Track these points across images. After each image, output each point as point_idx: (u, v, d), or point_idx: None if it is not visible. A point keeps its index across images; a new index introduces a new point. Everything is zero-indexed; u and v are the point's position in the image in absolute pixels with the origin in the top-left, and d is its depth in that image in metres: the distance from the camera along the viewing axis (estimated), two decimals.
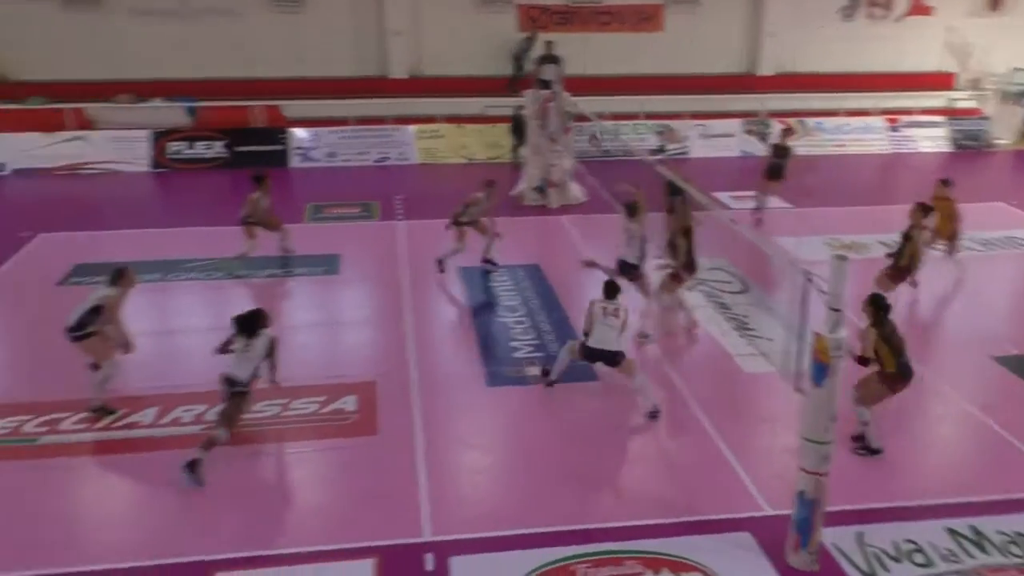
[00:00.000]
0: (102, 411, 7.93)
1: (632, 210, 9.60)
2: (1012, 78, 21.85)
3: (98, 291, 7.95)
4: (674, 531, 6.45)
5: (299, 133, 18.26)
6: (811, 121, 19.96)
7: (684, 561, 6.12)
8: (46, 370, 8.77)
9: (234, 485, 6.99)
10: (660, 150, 18.91)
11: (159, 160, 17.66)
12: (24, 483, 6.97)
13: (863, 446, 7.42)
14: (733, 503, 6.79)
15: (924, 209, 10.07)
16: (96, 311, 7.78)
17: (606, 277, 8.59)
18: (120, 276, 8.00)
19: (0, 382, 8.83)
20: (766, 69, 21.31)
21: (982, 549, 6.31)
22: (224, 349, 7.31)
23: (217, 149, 17.90)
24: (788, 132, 16.30)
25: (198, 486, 6.86)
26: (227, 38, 19.38)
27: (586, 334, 8.07)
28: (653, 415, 7.97)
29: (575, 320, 10.12)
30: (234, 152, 17.90)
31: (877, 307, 7.10)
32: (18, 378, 8.90)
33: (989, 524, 6.56)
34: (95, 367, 7.86)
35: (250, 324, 7.23)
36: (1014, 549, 6.31)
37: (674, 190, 9.66)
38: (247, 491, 6.95)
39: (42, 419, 7.82)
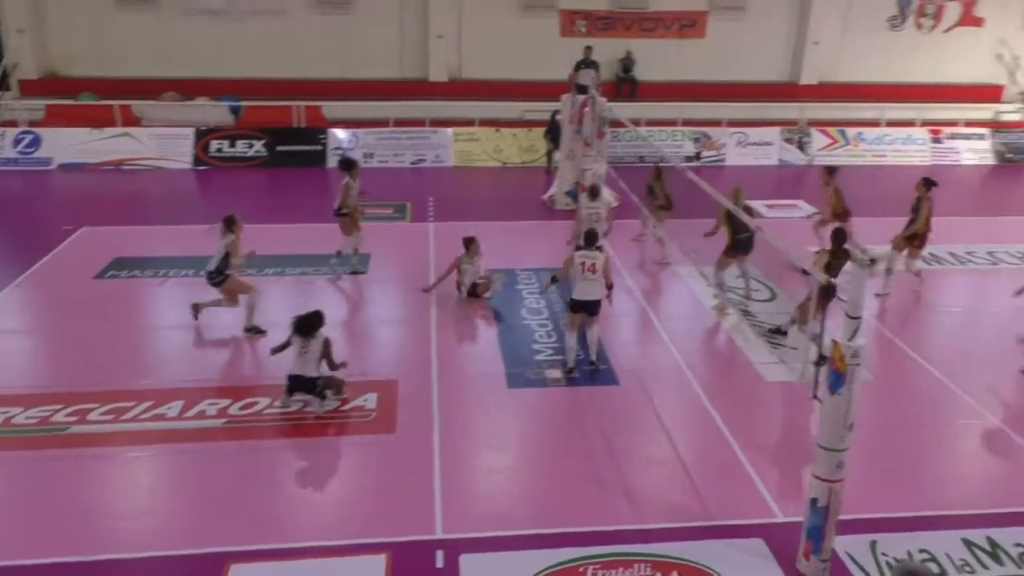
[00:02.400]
0: (254, 331, 9.61)
1: (593, 192, 11.68)
2: None
3: (221, 241, 9.45)
4: (687, 535, 6.44)
5: (338, 134, 18.56)
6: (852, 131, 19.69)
7: (695, 565, 6.11)
8: (77, 361, 9.07)
9: (252, 478, 7.15)
10: (696, 157, 18.82)
11: (201, 157, 18.09)
12: (52, 472, 7.17)
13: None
14: (747, 509, 6.76)
15: (928, 183, 11.16)
16: (225, 258, 9.44)
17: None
18: (232, 223, 9.55)
19: (32, 371, 9.14)
20: (808, 78, 21.10)
21: (997, 561, 6.20)
22: (280, 349, 8.19)
23: (257, 148, 18.27)
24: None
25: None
26: (273, 38, 19.88)
27: (554, 279, 9.26)
28: (600, 366, 8.97)
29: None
30: (273, 151, 18.25)
31: (835, 237, 8.99)
32: (50, 367, 9.19)
33: (1006, 536, 6.46)
34: (232, 302, 9.64)
35: (307, 326, 7.92)
36: None
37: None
38: (264, 484, 7.09)
39: (72, 409, 8.05)
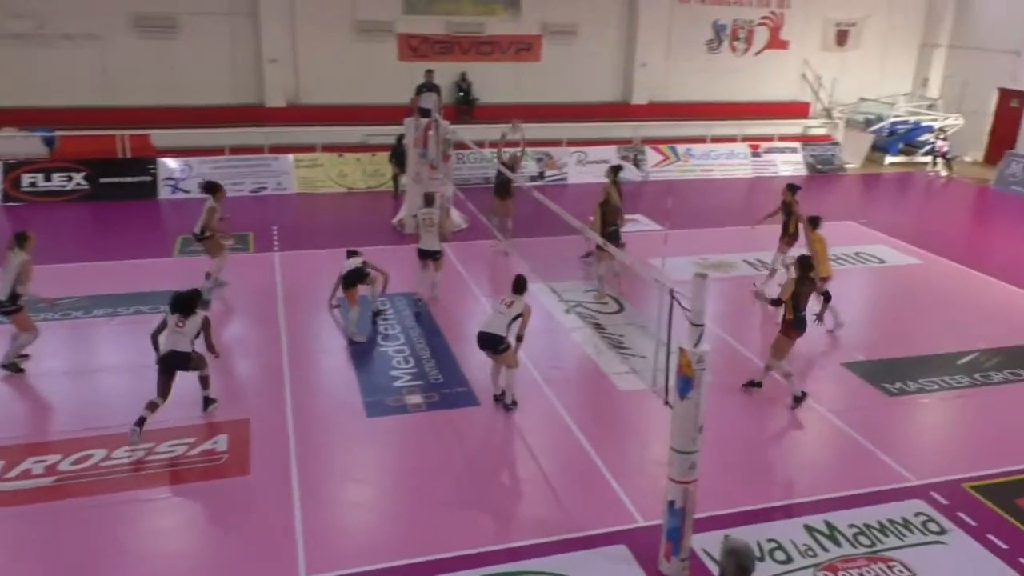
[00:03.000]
0: (14, 368, 9.14)
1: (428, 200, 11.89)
2: (858, 107, 23.72)
3: (12, 262, 8.99)
4: (554, 549, 6.53)
5: (169, 163, 17.58)
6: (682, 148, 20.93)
7: None
8: None
9: (93, 540, 6.58)
10: (540, 176, 19.33)
11: (10, 193, 16.57)
12: None
13: (795, 398, 8.91)
14: (609, 517, 6.95)
15: (792, 188, 12.05)
16: (18, 281, 9.05)
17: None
18: (24, 240, 9.14)
19: None
20: (639, 98, 22.23)
21: (835, 542, 6.72)
22: (158, 332, 8.10)
23: (77, 181, 16.97)
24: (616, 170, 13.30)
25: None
26: (90, 64, 18.59)
27: None
28: (509, 406, 8.68)
29: (456, 348, 10.17)
30: (96, 184, 17.01)
31: (804, 266, 8.91)
32: None
33: (841, 519, 7.01)
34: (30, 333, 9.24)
35: (186, 304, 8.00)
36: (863, 539, 6.76)
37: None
38: (108, 545, 6.55)
39: None
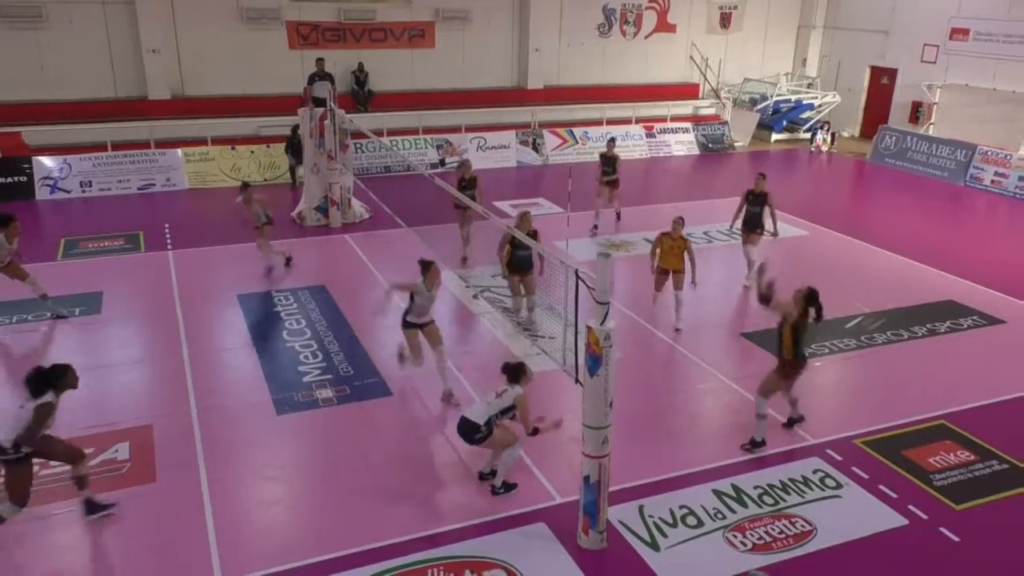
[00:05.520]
0: None
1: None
2: (744, 87, 24.68)
3: None
4: (475, 532, 6.59)
5: (46, 162, 16.57)
6: (579, 131, 21.26)
7: (484, 560, 6.27)
8: None
9: None
10: (440, 163, 19.25)
11: None
12: None
13: (752, 442, 7.79)
14: (528, 497, 7.05)
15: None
16: None
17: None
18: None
19: None
20: (534, 83, 22.41)
21: (742, 504, 7.05)
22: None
23: None
24: (612, 142, 14.84)
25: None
26: None
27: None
28: (496, 490, 7.18)
29: (364, 339, 10.06)
30: None
31: (809, 299, 7.58)
32: None
33: (746, 481, 7.36)
34: None
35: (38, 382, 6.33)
36: (767, 499, 7.11)
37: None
38: (8, 569, 6.19)
39: None
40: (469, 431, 7.00)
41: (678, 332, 10.43)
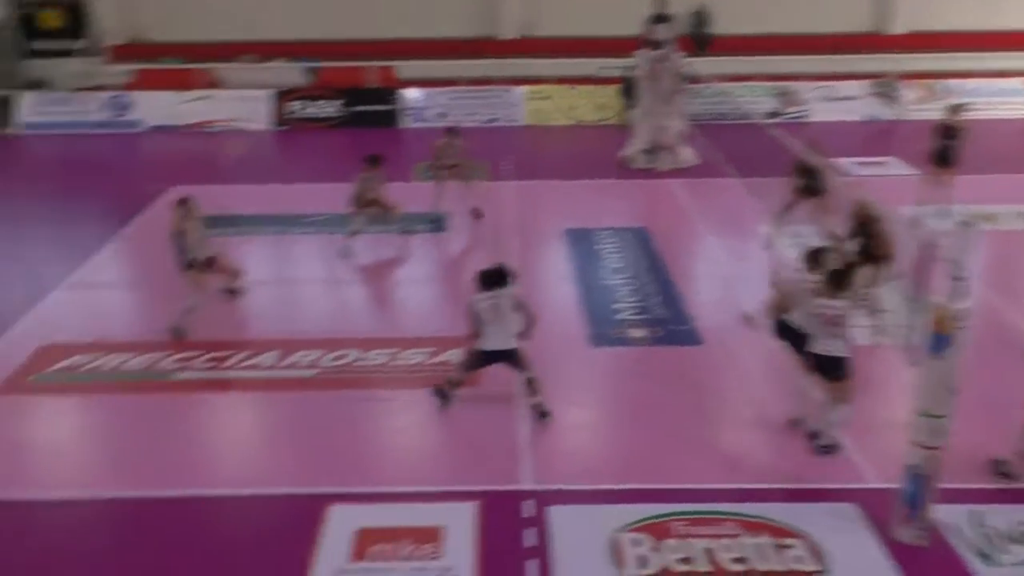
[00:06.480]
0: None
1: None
2: None
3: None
4: (776, 497, 6.38)
5: (410, 93, 18.60)
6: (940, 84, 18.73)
7: (785, 527, 6.06)
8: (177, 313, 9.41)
9: (344, 426, 7.37)
10: (775, 114, 18.24)
11: (279, 118, 18.40)
12: (160, 414, 7.57)
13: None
14: (838, 473, 6.64)
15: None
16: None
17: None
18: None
19: (137, 322, 9.61)
20: (898, 27, 20.06)
21: None
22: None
23: (334, 108, 18.49)
24: (958, 109, 12.23)
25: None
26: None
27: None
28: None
29: (681, 284, 10.05)
30: (350, 111, 18.44)
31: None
32: (153, 319, 9.43)
33: None
34: None
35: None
36: None
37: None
38: (357, 431, 7.32)
39: (176, 357, 8.48)
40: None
41: None
